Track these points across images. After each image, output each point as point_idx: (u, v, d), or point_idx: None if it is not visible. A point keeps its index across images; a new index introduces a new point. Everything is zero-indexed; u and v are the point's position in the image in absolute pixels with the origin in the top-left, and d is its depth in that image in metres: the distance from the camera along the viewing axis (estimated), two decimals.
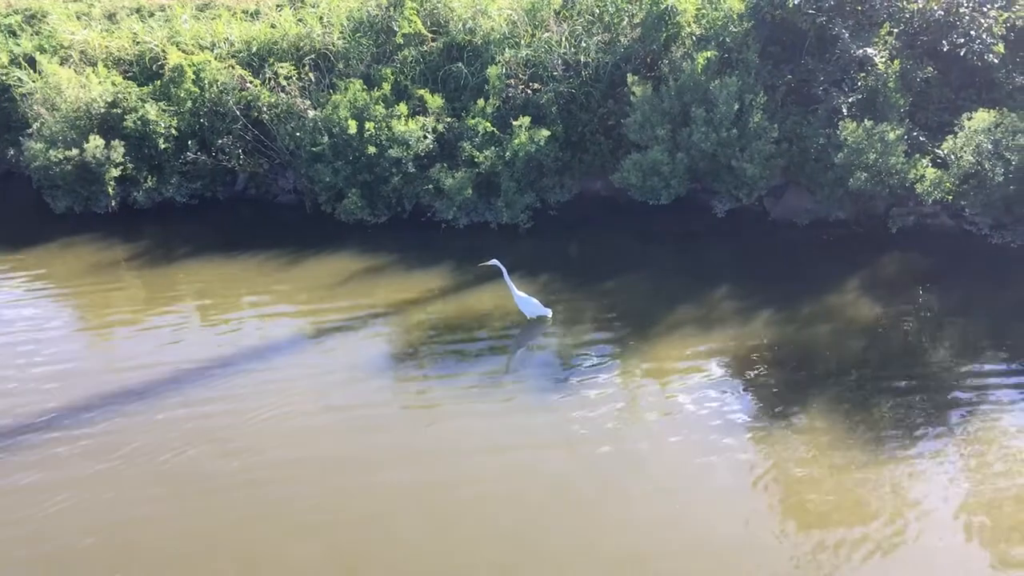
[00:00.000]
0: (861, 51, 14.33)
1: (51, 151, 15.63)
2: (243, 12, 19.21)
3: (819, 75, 14.65)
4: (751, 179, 14.51)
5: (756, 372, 10.88)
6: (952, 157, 13.47)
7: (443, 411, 10.43)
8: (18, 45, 18.77)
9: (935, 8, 14.65)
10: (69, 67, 17.32)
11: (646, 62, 15.86)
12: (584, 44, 15.85)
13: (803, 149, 14.57)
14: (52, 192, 16.28)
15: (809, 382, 10.67)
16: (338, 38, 16.97)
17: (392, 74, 16.08)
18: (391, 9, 16.72)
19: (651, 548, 8.20)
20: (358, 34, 16.90)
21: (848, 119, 13.91)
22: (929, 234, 14.32)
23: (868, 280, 13.22)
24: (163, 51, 17.26)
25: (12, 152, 17.67)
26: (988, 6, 14.50)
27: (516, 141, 14.79)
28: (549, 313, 12.24)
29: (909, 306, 12.52)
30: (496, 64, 15.78)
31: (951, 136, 13.62)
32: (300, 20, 17.73)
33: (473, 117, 15.27)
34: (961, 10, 14.50)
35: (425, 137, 15.21)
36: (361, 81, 15.85)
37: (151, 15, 19.56)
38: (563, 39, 16.02)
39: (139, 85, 16.83)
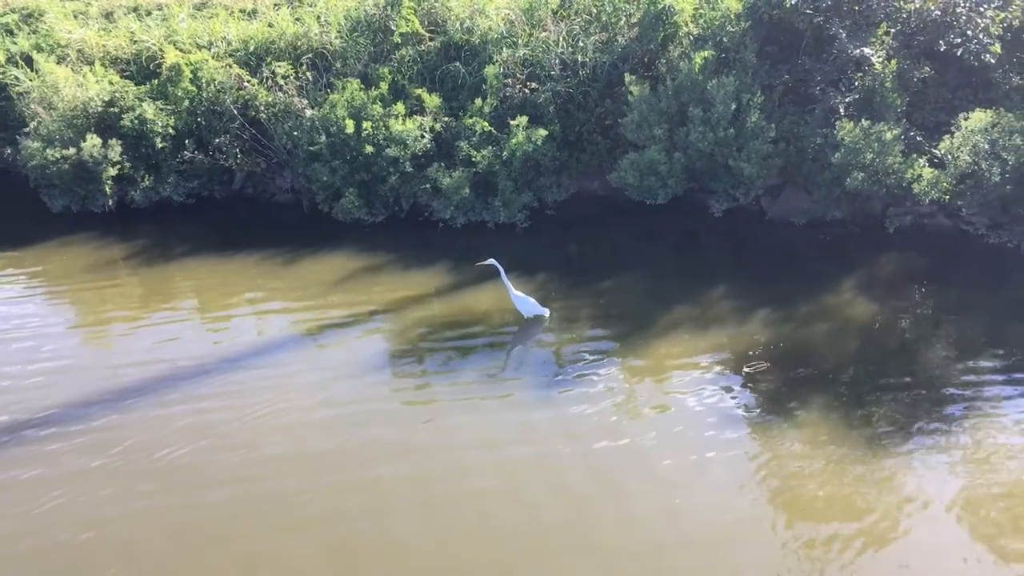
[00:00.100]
0: (858, 51, 14.34)
1: (48, 150, 15.60)
2: (240, 11, 19.20)
3: (816, 75, 14.67)
4: (748, 179, 14.52)
5: (753, 371, 10.89)
6: (949, 157, 13.49)
7: (441, 408, 10.44)
8: (15, 44, 18.75)
9: (932, 8, 14.67)
10: (66, 66, 17.29)
11: (643, 62, 15.88)
12: (582, 44, 15.86)
13: (800, 149, 14.59)
14: (49, 191, 16.25)
15: (806, 381, 10.69)
16: (335, 37, 16.96)
17: (390, 73, 16.08)
18: (388, 8, 16.71)
19: (649, 543, 8.21)
20: (355, 33, 16.89)
21: (845, 119, 13.93)
22: (926, 234, 14.35)
23: (865, 279, 13.23)
24: (160, 50, 17.25)
25: (9, 151, 17.62)
26: (985, 6, 14.53)
27: (513, 140, 14.79)
28: (546, 312, 12.24)
29: (906, 305, 12.53)
30: (494, 63, 15.78)
31: (948, 136, 13.64)
32: (298, 19, 17.72)
33: (470, 116, 15.27)
34: (958, 10, 14.53)
35: (422, 136, 15.20)
36: (359, 80, 15.84)
37: (148, 14, 19.53)
38: (560, 39, 16.03)
39: (136, 84, 16.81)
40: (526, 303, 12.09)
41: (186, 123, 16.42)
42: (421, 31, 16.69)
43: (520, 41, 16.23)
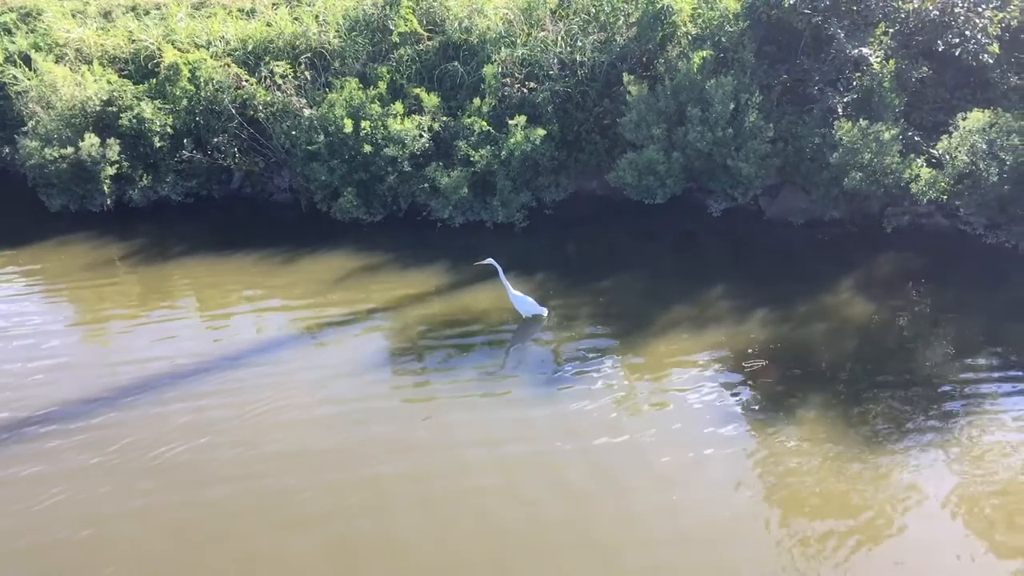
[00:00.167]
0: (856, 51, 14.36)
1: (46, 149, 15.59)
2: (239, 10, 19.19)
3: (814, 75, 14.68)
4: (746, 178, 14.53)
5: (750, 372, 10.90)
6: (947, 157, 13.52)
7: (440, 406, 10.46)
8: (13, 43, 18.72)
9: (930, 8, 14.69)
10: (64, 65, 17.27)
11: (642, 61, 15.89)
12: (580, 43, 15.87)
13: (798, 148, 14.61)
14: (47, 190, 16.24)
15: (804, 379, 10.71)
16: (334, 37, 16.96)
17: (388, 73, 16.09)
18: (387, 8, 16.71)
19: (647, 540, 8.24)
20: (354, 33, 16.89)
21: (843, 119, 13.95)
22: (924, 234, 14.37)
23: (862, 279, 13.25)
24: (159, 49, 17.24)
25: (7, 150, 17.61)
26: (983, 6, 14.55)
27: (512, 140, 14.79)
28: (544, 312, 12.25)
29: (903, 305, 12.55)
30: (492, 63, 15.79)
31: (946, 136, 13.66)
32: (296, 19, 17.73)
33: (469, 116, 15.27)
34: (956, 10, 14.55)
35: (421, 136, 15.20)
36: (357, 80, 15.84)
37: (147, 13, 19.51)
38: (559, 38, 16.04)
39: (135, 83, 16.81)
40: (524, 302, 12.10)
41: (184, 122, 16.41)
42: (419, 31, 16.69)
43: (518, 41, 16.24)
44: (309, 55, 16.87)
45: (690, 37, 15.61)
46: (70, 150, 15.51)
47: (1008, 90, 14.41)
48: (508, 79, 15.82)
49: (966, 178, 13.46)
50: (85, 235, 15.65)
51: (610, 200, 15.80)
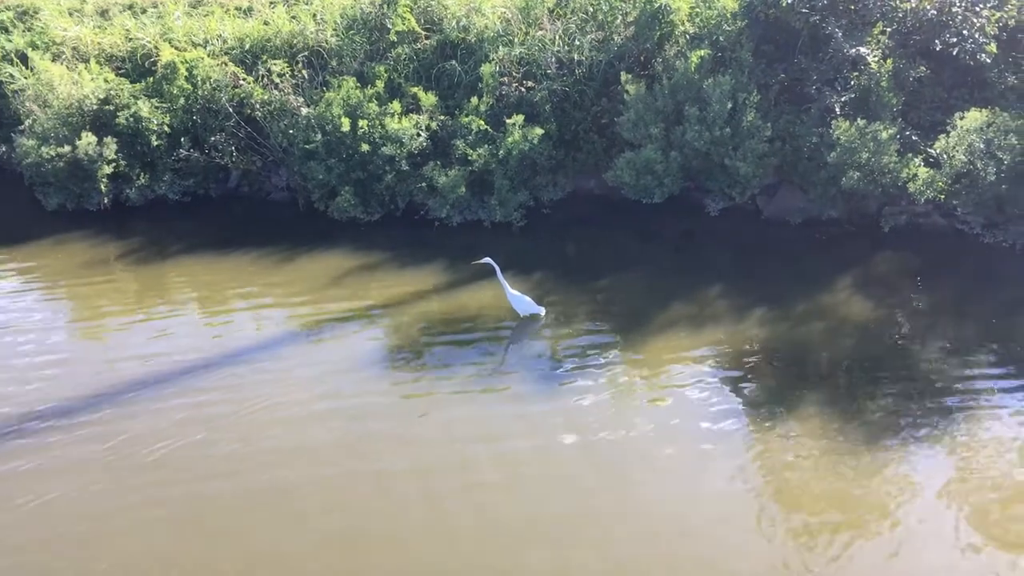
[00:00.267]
0: (854, 50, 14.35)
1: (43, 148, 15.56)
2: (236, 9, 19.14)
3: (812, 74, 14.67)
4: (744, 178, 14.53)
5: (748, 370, 10.92)
6: (944, 156, 13.51)
7: (439, 401, 10.51)
8: (10, 41, 18.68)
9: (928, 7, 14.68)
10: (61, 63, 17.24)
11: (640, 60, 15.87)
12: (578, 42, 15.85)
13: (796, 148, 14.60)
14: (44, 189, 16.23)
15: (802, 377, 10.76)
16: (331, 35, 16.93)
17: (385, 72, 16.06)
18: (385, 6, 16.68)
19: (648, 534, 8.31)
20: (351, 31, 16.86)
21: (841, 118, 13.94)
22: (921, 233, 14.36)
23: (860, 279, 13.25)
24: (156, 48, 17.20)
25: (4, 149, 17.58)
26: (980, 6, 14.53)
27: (509, 139, 14.78)
28: (542, 311, 12.25)
29: (901, 304, 12.56)
30: (490, 62, 15.77)
31: (943, 135, 13.66)
32: (293, 17, 17.68)
33: (466, 115, 15.26)
34: (954, 10, 14.53)
35: (418, 135, 15.19)
36: (354, 79, 15.82)
37: (144, 12, 19.45)
38: (557, 37, 16.01)
39: (132, 82, 16.77)
40: (522, 302, 12.10)
41: (181, 121, 16.39)
42: (417, 29, 16.66)
43: (516, 40, 16.21)
44: (306, 54, 16.84)
45: (688, 36, 15.59)
46: (67, 149, 15.49)
47: (1005, 89, 14.40)
48: (506, 78, 15.80)
49: (964, 177, 13.46)
50: (82, 234, 15.62)
51: (608, 199, 15.79)
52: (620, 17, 16.01)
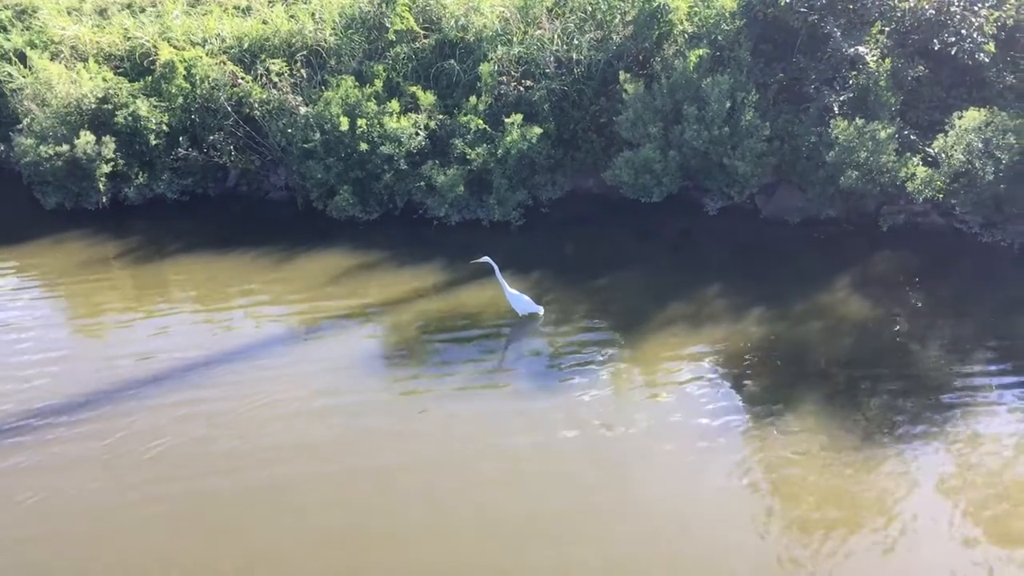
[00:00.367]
0: (852, 50, 14.37)
1: (41, 147, 15.55)
2: (235, 8, 19.13)
3: (811, 73, 14.69)
4: (743, 177, 14.53)
5: (747, 368, 10.93)
6: (943, 156, 13.52)
7: (437, 398, 10.55)
8: (8, 40, 18.66)
9: (926, 7, 14.69)
10: (60, 62, 17.23)
11: (638, 60, 15.88)
12: (576, 41, 15.84)
13: (794, 147, 14.61)
14: (42, 188, 16.21)
15: (800, 378, 10.75)
16: (330, 34, 16.92)
17: (384, 71, 16.06)
18: (383, 5, 16.67)
19: (647, 529, 8.34)
20: (350, 30, 16.85)
21: (839, 117, 13.95)
22: (920, 232, 14.37)
23: (859, 278, 13.26)
24: (154, 47, 17.20)
25: (2, 148, 17.55)
26: (979, 5, 14.54)
27: (508, 138, 14.78)
28: (541, 310, 12.25)
29: (899, 304, 12.56)
30: (488, 61, 15.77)
31: (942, 135, 13.67)
32: (292, 16, 17.67)
33: (465, 114, 15.26)
34: (952, 9, 14.55)
35: (417, 134, 15.19)
36: (353, 78, 15.81)
37: (142, 11, 19.43)
38: (555, 36, 16.01)
39: (130, 81, 16.77)
40: (521, 301, 12.10)
41: (180, 120, 16.38)
42: (416, 28, 16.66)
43: (515, 39, 16.21)
44: (305, 53, 16.83)
45: (686, 35, 15.59)
46: (65, 148, 15.48)
47: (1004, 89, 14.41)
48: (504, 77, 15.80)
49: (962, 177, 13.47)
50: (80, 233, 15.61)
51: (606, 198, 15.79)
52: (619, 16, 16.01)
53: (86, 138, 15.50)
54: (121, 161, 15.94)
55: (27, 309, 13.03)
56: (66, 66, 17.02)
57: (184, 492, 8.92)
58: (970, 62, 14.39)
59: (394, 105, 15.33)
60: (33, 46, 18.14)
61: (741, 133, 14.35)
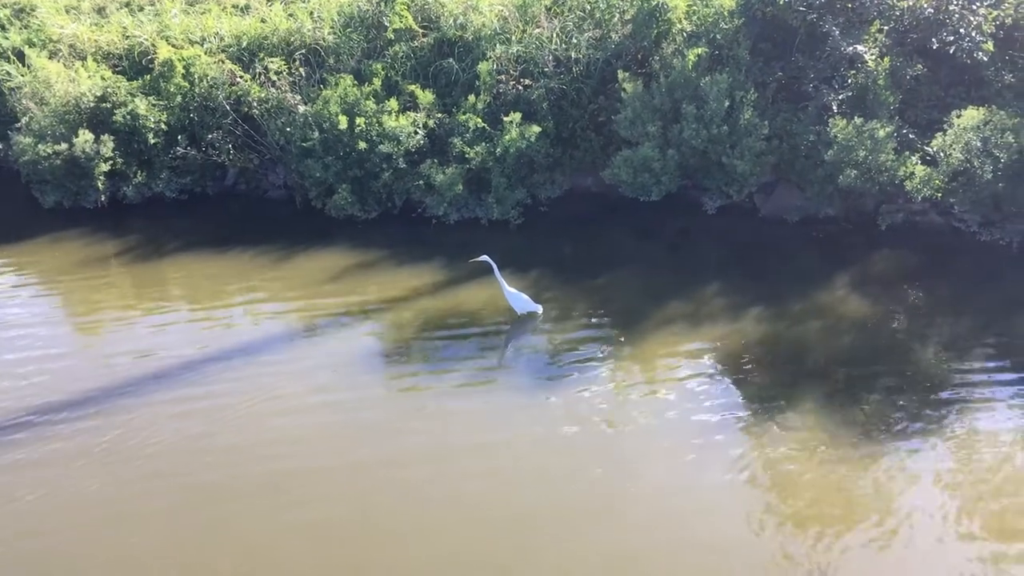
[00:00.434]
0: (851, 48, 14.39)
1: (40, 145, 15.55)
2: (233, 7, 19.13)
3: (809, 72, 14.70)
4: (741, 176, 14.54)
5: (746, 367, 10.93)
6: (941, 154, 13.53)
7: (435, 396, 10.57)
8: (6, 39, 18.65)
9: (925, 6, 14.71)
10: (58, 61, 17.21)
11: (637, 59, 15.88)
12: (575, 40, 15.84)
13: (793, 146, 14.62)
14: (41, 187, 16.21)
15: (798, 377, 10.76)
16: (329, 33, 16.92)
17: (383, 69, 16.06)
18: (382, 4, 16.67)
19: (646, 526, 8.34)
20: (349, 29, 16.85)
21: (838, 116, 13.96)
22: (918, 231, 14.38)
23: (857, 277, 13.26)
24: (153, 45, 17.19)
25: (1, 146, 17.57)
26: (977, 4, 14.55)
27: (507, 137, 14.78)
28: (539, 309, 12.25)
29: (898, 303, 12.56)
30: (487, 60, 15.77)
31: (940, 133, 13.67)
32: (290, 15, 17.68)
33: (464, 113, 15.26)
34: (951, 8, 14.55)
35: (416, 133, 15.19)
36: (352, 76, 15.82)
37: (141, 9, 19.43)
38: (554, 35, 16.02)
39: (129, 79, 16.77)
40: (519, 299, 12.10)
41: (178, 119, 16.38)
42: (414, 27, 16.66)
43: (513, 37, 16.21)
44: (304, 51, 16.83)
45: (685, 34, 15.60)
46: (64, 146, 15.48)
47: (1002, 88, 14.43)
48: (503, 76, 15.80)
49: (960, 176, 13.48)
50: (79, 231, 15.61)
51: (605, 197, 15.80)
52: (617, 15, 16.01)
53: (84, 137, 15.49)
54: (119, 160, 15.94)
55: (26, 307, 13.04)
56: (64, 65, 17.01)
57: (182, 488, 8.92)
58: (968, 61, 14.40)
59: (393, 104, 15.33)
60: (31, 44, 18.14)
61: (740, 132, 14.36)
